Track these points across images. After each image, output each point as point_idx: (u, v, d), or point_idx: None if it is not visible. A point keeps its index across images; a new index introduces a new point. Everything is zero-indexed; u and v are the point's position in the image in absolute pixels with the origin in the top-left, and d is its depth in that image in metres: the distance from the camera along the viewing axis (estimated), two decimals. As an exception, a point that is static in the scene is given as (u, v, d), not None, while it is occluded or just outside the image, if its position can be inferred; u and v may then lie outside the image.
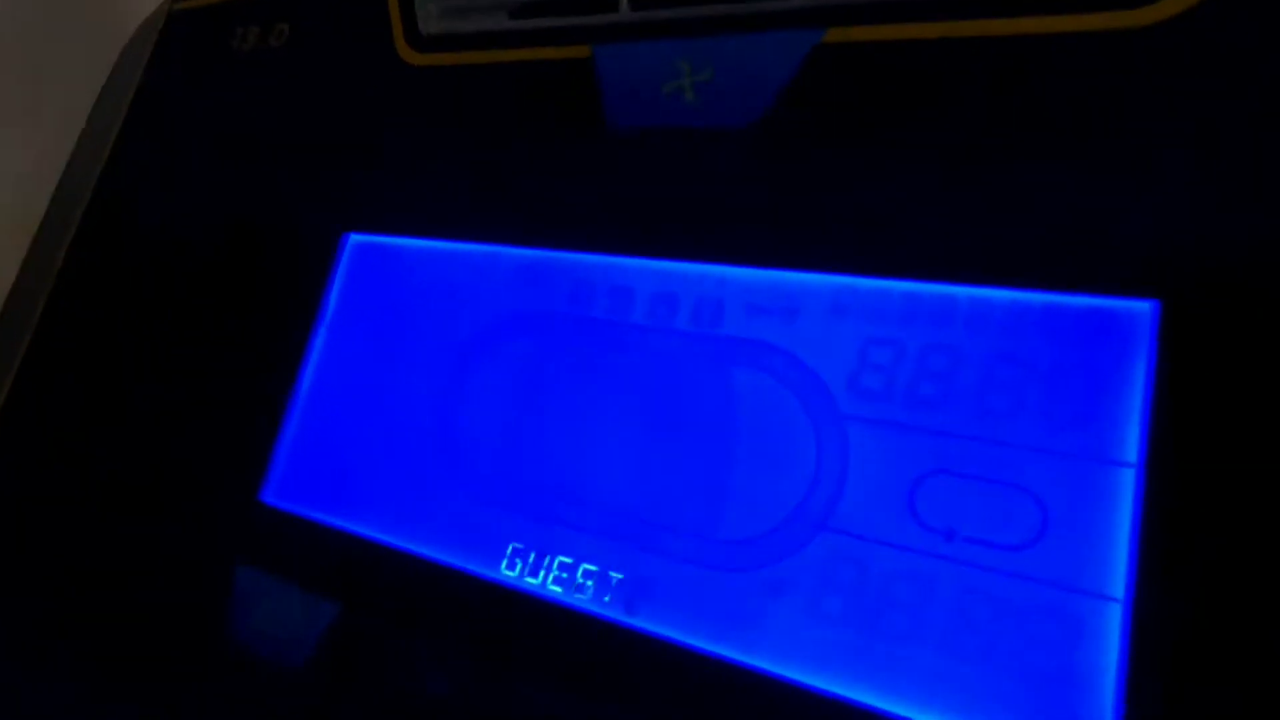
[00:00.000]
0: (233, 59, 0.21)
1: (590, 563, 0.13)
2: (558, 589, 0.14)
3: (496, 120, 0.17)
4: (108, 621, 0.18)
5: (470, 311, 0.16)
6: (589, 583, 0.13)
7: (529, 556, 0.14)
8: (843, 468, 0.12)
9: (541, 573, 0.14)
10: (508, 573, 0.14)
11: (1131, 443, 0.10)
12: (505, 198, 0.16)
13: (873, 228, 0.13)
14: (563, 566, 0.14)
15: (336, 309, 0.18)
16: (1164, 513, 0.10)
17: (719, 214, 0.14)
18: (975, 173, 0.12)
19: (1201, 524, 0.10)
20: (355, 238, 0.18)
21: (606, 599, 0.13)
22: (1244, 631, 0.09)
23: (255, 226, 0.19)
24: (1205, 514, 0.10)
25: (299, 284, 0.18)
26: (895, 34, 0.14)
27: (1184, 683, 0.09)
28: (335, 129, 0.19)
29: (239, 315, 0.19)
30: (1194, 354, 0.10)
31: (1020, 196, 0.12)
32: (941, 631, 0.11)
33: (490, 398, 0.15)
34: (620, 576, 0.13)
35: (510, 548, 0.14)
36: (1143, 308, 0.11)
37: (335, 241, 0.18)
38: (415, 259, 0.17)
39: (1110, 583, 0.10)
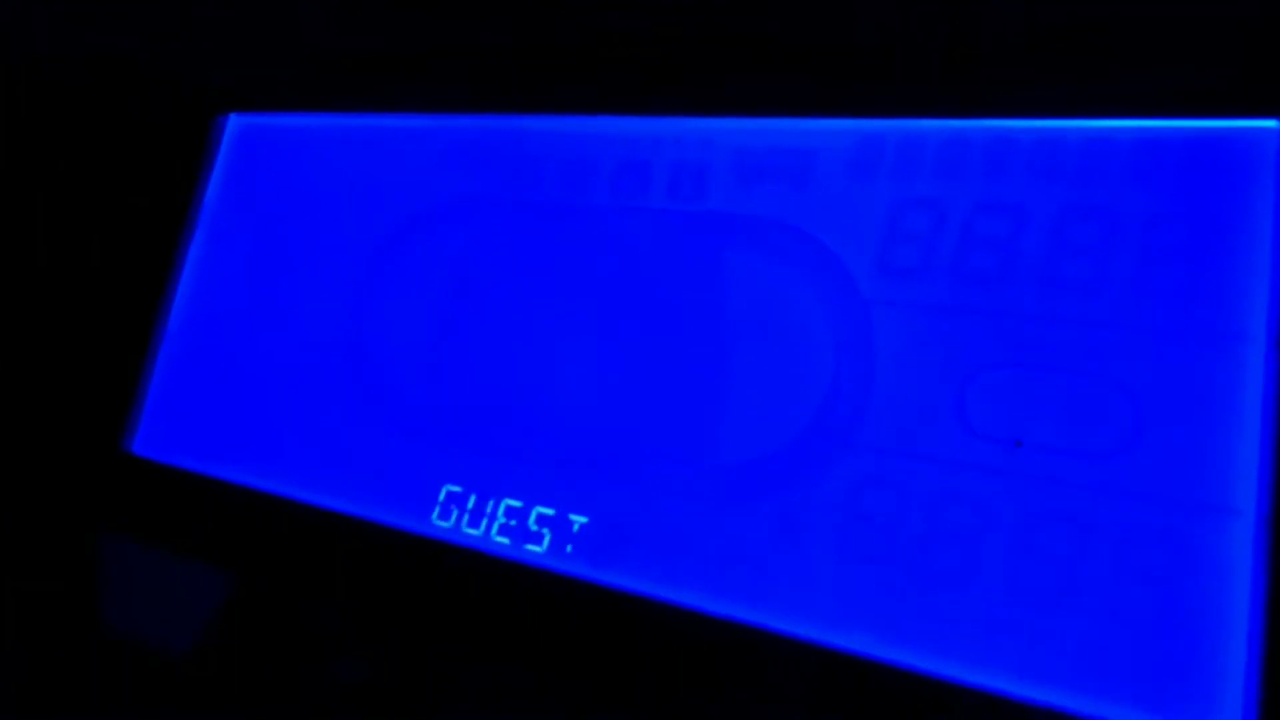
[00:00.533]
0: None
1: (545, 505, 0.11)
2: (504, 539, 0.11)
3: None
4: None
5: (385, 200, 0.13)
6: (544, 531, 0.10)
7: (467, 501, 0.11)
8: (869, 368, 0.09)
9: (484, 521, 0.11)
10: (441, 523, 0.11)
11: (1259, 310, 0.08)
12: (423, 54, 0.13)
13: (897, 57, 0.10)
14: (510, 512, 0.11)
15: (216, 208, 0.14)
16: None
17: (697, 52, 0.11)
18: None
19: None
20: (237, 118, 0.14)
21: (568, 549, 0.10)
22: None
23: (114, 108, 0.15)
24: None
25: (168, 177, 0.14)
26: None
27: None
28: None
29: (94, 218, 0.15)
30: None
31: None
32: (1007, 570, 0.08)
33: (412, 308, 0.12)
34: (584, 520, 0.10)
35: (443, 492, 0.11)
36: (1269, 126, 0.08)
37: (211, 124, 0.14)
38: (311, 138, 0.13)
39: (1233, 492, 0.08)
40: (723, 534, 0.10)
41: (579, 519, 0.11)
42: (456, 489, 0.12)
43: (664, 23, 0.11)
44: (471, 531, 0.11)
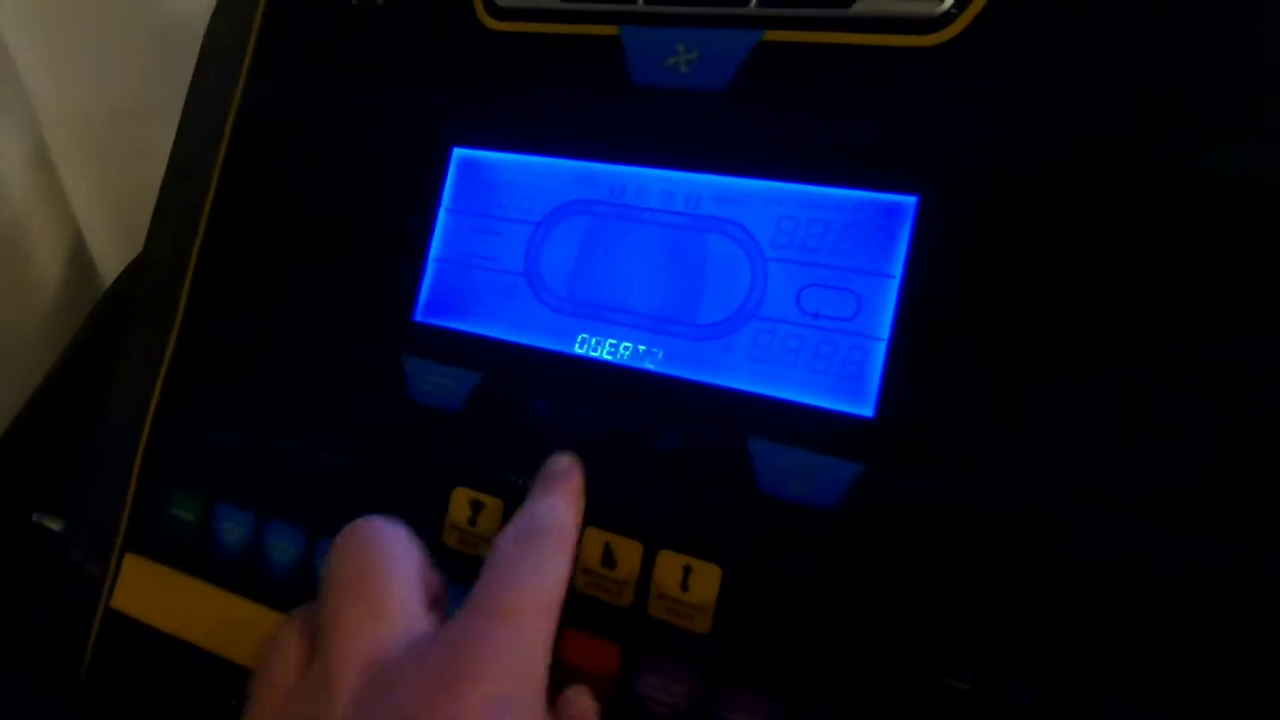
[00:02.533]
0: (346, 13, 0.29)
1: (629, 341, 0.25)
2: (610, 356, 0.25)
3: (553, 74, 0.26)
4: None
5: (543, 200, 0.26)
6: (629, 350, 0.24)
7: (592, 341, 0.25)
8: (764, 286, 0.23)
9: (601, 349, 0.25)
10: (579, 350, 0.25)
11: (898, 264, 0.22)
12: (562, 125, 0.26)
13: (787, 152, 0.23)
14: (613, 347, 0.25)
15: (451, 200, 0.27)
16: (912, 305, 0.22)
17: (702, 142, 0.24)
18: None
19: (931, 313, 0.21)
20: (459, 151, 0.27)
21: (645, 360, 0.24)
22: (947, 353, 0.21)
23: (381, 147, 0.28)
24: (934, 311, 0.21)
25: (421, 187, 0.28)
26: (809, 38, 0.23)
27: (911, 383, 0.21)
28: (433, 74, 0.28)
29: (383, 208, 0.28)
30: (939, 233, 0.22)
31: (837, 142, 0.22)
32: (809, 359, 0.23)
33: (560, 249, 0.26)
34: (645, 348, 0.24)
35: (579, 337, 0.25)
36: (909, 200, 0.22)
37: (447, 154, 0.27)
38: (504, 167, 0.27)
39: (881, 330, 0.22)
40: (705, 351, 0.24)
41: (644, 346, 0.24)
42: (586, 335, 0.25)
43: (686, 129, 0.25)
44: (595, 354, 0.25)
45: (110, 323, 0.41)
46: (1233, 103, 0.19)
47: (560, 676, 0.23)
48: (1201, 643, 0.18)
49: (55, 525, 0.37)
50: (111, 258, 0.48)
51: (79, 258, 0.47)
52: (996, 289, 0.21)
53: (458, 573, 0.25)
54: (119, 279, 0.42)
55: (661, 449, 0.23)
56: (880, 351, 0.22)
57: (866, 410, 0.22)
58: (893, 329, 0.22)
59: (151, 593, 0.29)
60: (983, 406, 0.20)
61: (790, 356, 0.23)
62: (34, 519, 0.38)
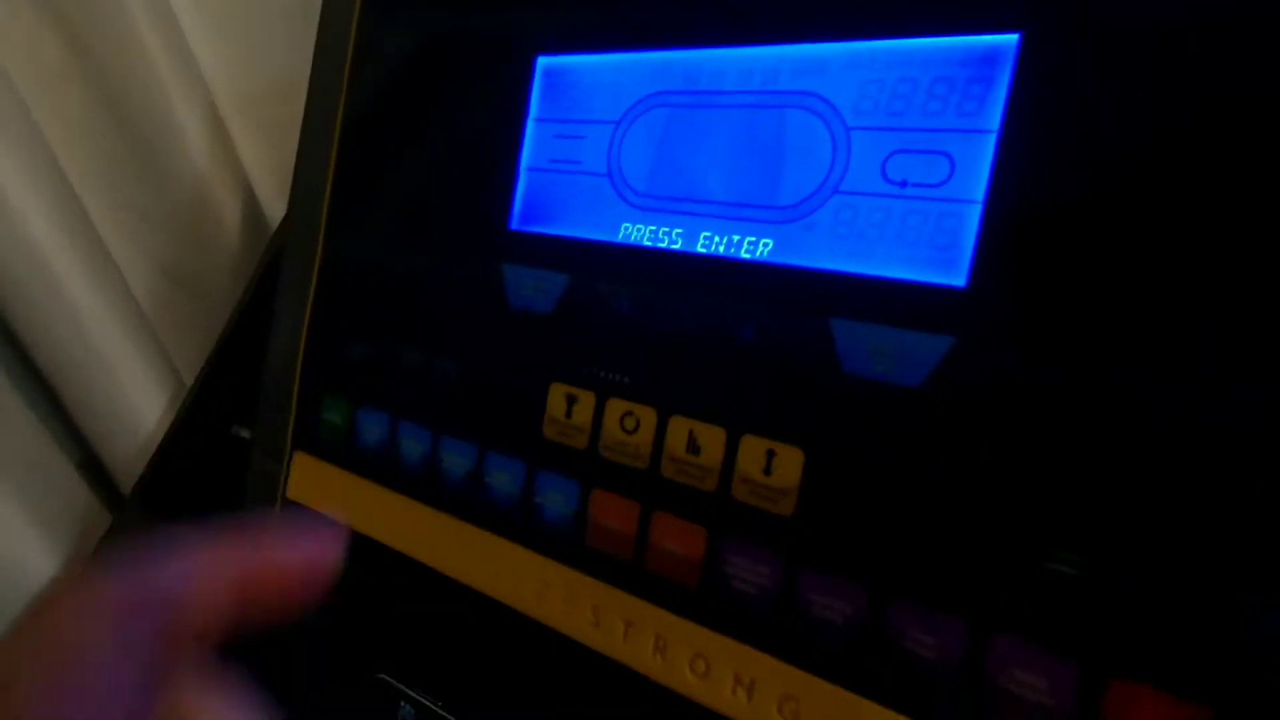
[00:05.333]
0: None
1: (709, 231, 0.24)
2: (690, 248, 0.25)
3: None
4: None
5: (622, 97, 0.26)
6: (709, 240, 0.24)
7: (673, 233, 0.25)
8: (847, 158, 0.22)
9: (680, 242, 0.25)
10: (662, 244, 0.25)
11: (995, 117, 0.19)
12: (636, 17, 0.26)
13: (867, 5, 0.21)
14: (692, 239, 0.25)
15: (538, 109, 0.28)
16: (1011, 162, 0.19)
17: (776, 7, 0.23)
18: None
19: (1033, 171, 0.19)
20: (543, 60, 0.28)
21: (726, 248, 0.24)
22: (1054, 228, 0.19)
23: (472, 68, 0.30)
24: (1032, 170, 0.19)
25: (511, 100, 0.29)
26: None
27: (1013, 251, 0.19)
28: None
29: (478, 126, 0.30)
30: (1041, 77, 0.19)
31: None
32: (896, 231, 0.21)
33: (639, 145, 0.26)
34: (724, 237, 0.24)
35: (660, 231, 0.25)
36: (1009, 41, 0.19)
37: (531, 64, 0.28)
38: (584, 69, 0.27)
39: (975, 193, 0.20)
40: (796, 234, 0.23)
41: (750, 239, 0.24)
42: (709, 233, 0.25)
43: (760, 12, 0.23)
44: (713, 250, 0.25)
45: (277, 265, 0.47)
46: None
47: (650, 559, 0.25)
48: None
49: (248, 434, 0.44)
50: (278, 212, 0.55)
51: (252, 213, 0.54)
52: (1107, 143, 0.18)
53: (560, 463, 0.27)
54: (279, 229, 0.48)
55: (743, 335, 0.23)
56: (975, 215, 0.20)
57: (959, 280, 0.20)
58: (988, 191, 0.20)
59: (316, 485, 0.34)
60: (1086, 276, 0.18)
61: (875, 231, 0.21)
62: (233, 431, 0.45)
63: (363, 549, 0.31)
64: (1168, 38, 0.17)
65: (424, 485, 0.30)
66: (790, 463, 0.22)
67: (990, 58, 0.20)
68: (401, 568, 0.30)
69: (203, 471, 0.45)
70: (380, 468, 0.32)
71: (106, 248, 0.45)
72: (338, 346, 0.34)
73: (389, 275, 0.32)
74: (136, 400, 0.47)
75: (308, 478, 0.34)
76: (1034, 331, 0.19)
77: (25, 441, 0.44)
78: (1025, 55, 0.19)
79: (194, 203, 0.49)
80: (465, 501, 0.29)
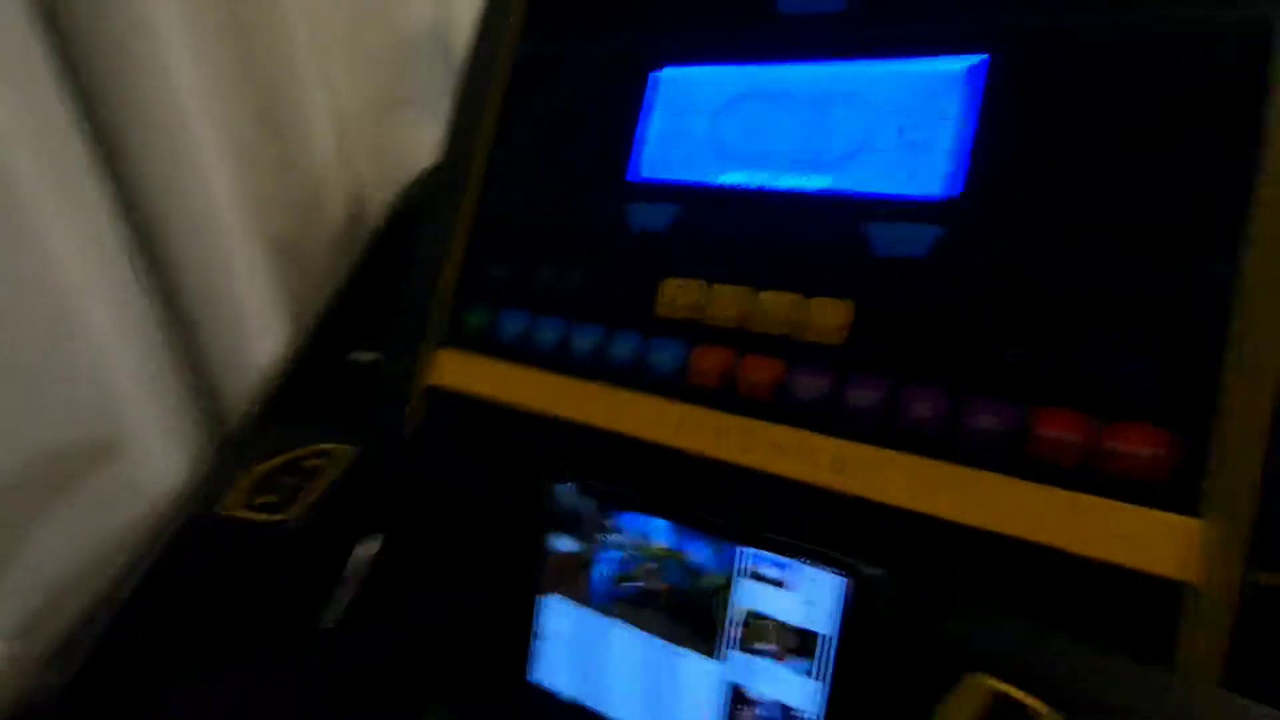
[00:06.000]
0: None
1: (803, 175, 0.37)
2: (794, 185, 0.38)
3: (720, 11, 0.40)
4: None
5: (718, 96, 0.40)
6: (806, 178, 0.37)
7: (749, 174, 0.38)
8: (874, 129, 0.36)
9: (791, 182, 0.38)
10: (781, 185, 0.38)
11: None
12: (729, 44, 0.40)
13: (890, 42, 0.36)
14: (799, 180, 0.38)
15: (654, 107, 0.41)
16: (981, 138, 0.33)
17: (827, 41, 0.37)
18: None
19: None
20: (660, 72, 0.42)
21: (814, 185, 0.37)
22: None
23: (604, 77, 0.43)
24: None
25: (635, 99, 0.42)
26: None
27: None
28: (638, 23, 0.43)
29: (611, 117, 0.43)
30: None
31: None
32: (908, 171, 0.35)
33: (731, 123, 0.39)
34: (814, 175, 0.37)
35: (743, 174, 0.38)
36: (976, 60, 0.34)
37: (647, 76, 0.42)
38: (696, 77, 0.41)
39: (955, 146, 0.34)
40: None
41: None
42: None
43: (817, 31, 0.38)
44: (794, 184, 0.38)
45: (393, 229, 0.58)
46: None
47: (739, 386, 0.36)
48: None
49: (368, 357, 0.53)
50: (377, 193, 0.66)
51: (357, 196, 0.65)
52: (1042, 128, 0.32)
53: (670, 331, 0.38)
54: (395, 202, 0.60)
55: (808, 235, 0.36)
56: (956, 155, 0.34)
57: (950, 192, 0.33)
58: (970, 143, 0.33)
59: (460, 371, 0.44)
60: (1023, 199, 0.32)
61: (894, 169, 0.35)
62: (351, 357, 0.55)
63: (507, 416, 0.42)
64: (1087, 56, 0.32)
65: (558, 359, 0.41)
66: (844, 311, 0.34)
67: (961, 77, 0.34)
68: (544, 426, 0.40)
69: (320, 392, 0.54)
70: (520, 352, 0.42)
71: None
72: (483, 268, 0.45)
73: (532, 215, 0.44)
74: (256, 344, 0.56)
75: (452, 367, 0.45)
76: (993, 228, 0.32)
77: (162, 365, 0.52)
78: (992, 74, 0.34)
79: (316, 188, 0.60)
80: (593, 368, 0.40)
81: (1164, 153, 0.30)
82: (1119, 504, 0.28)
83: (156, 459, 0.52)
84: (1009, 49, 0.33)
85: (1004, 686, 0.23)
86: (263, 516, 0.28)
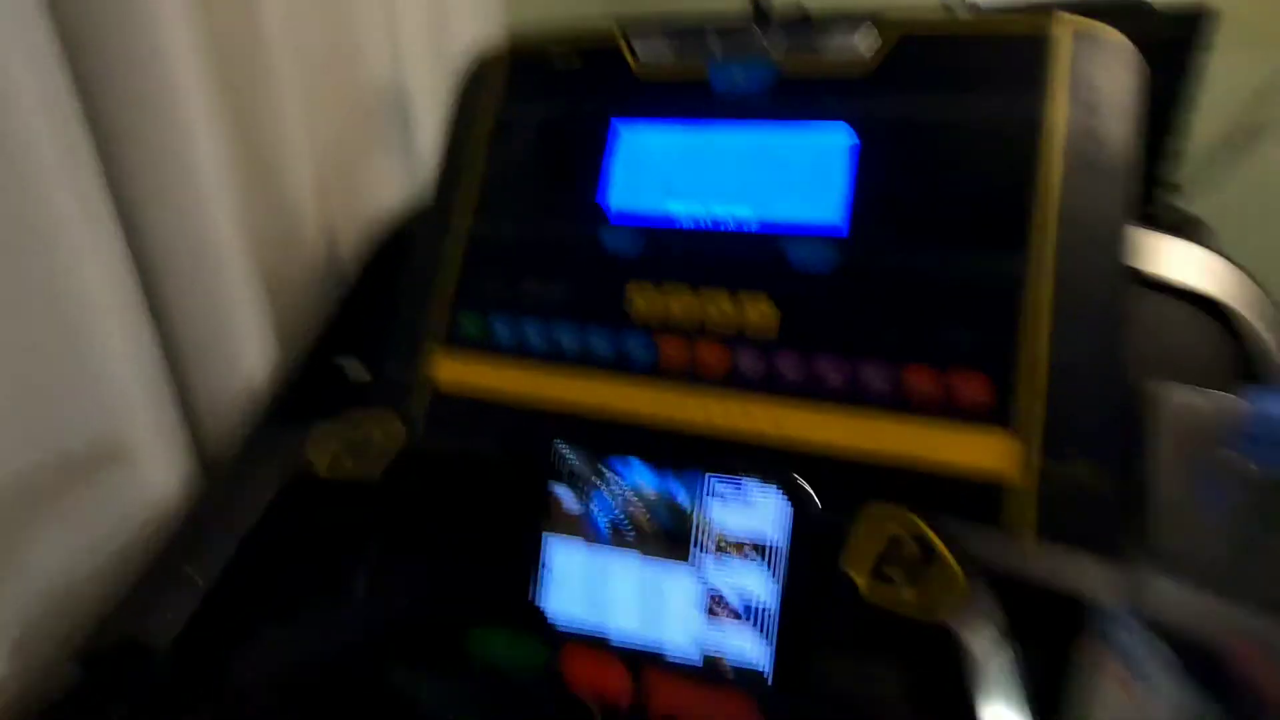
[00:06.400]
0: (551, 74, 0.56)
1: (732, 213, 0.50)
2: (725, 225, 0.50)
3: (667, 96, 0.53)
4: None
5: (672, 146, 0.52)
6: (729, 219, 0.50)
7: (697, 213, 0.50)
8: (773, 177, 0.49)
9: (724, 223, 0.50)
10: (689, 221, 0.50)
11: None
12: (677, 110, 0.52)
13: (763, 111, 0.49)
14: (728, 221, 0.50)
15: (618, 150, 0.53)
16: (861, 193, 0.47)
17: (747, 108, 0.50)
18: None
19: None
20: (619, 124, 0.53)
21: (737, 225, 0.49)
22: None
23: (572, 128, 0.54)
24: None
25: (599, 143, 0.53)
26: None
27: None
28: (605, 95, 0.55)
29: (580, 158, 0.54)
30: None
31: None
32: (808, 211, 0.48)
33: (684, 169, 0.51)
34: (737, 216, 0.49)
35: (693, 212, 0.50)
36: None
37: (610, 127, 0.53)
38: (652, 134, 0.53)
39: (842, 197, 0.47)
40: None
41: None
42: None
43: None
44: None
45: (380, 258, 0.66)
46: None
47: (697, 368, 0.47)
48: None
49: (356, 366, 0.60)
50: (347, 227, 0.73)
51: (331, 230, 0.72)
52: (896, 181, 0.46)
53: (636, 326, 0.49)
54: (377, 233, 0.67)
55: (734, 254, 0.48)
56: (845, 203, 0.47)
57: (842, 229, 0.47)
58: (851, 195, 0.47)
59: (456, 369, 0.53)
60: (892, 233, 0.46)
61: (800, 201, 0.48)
62: (336, 361, 0.61)
63: (501, 405, 0.50)
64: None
65: (545, 356, 0.51)
66: (771, 310, 0.47)
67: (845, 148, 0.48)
68: (535, 411, 0.50)
69: (311, 397, 0.60)
70: (511, 351, 0.52)
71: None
72: (475, 282, 0.54)
73: (518, 239, 0.54)
74: (243, 361, 0.61)
75: (449, 365, 0.53)
76: (872, 249, 0.46)
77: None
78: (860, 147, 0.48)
79: (293, 220, 0.67)
80: (576, 360, 0.50)
81: (967, 191, 0.45)
82: (961, 426, 0.41)
83: (156, 466, 0.56)
84: (870, 124, 0.48)
85: (900, 521, 0.34)
86: (348, 474, 0.36)
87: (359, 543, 0.41)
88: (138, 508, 0.55)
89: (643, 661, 0.40)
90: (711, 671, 0.39)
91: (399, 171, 0.82)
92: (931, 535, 0.32)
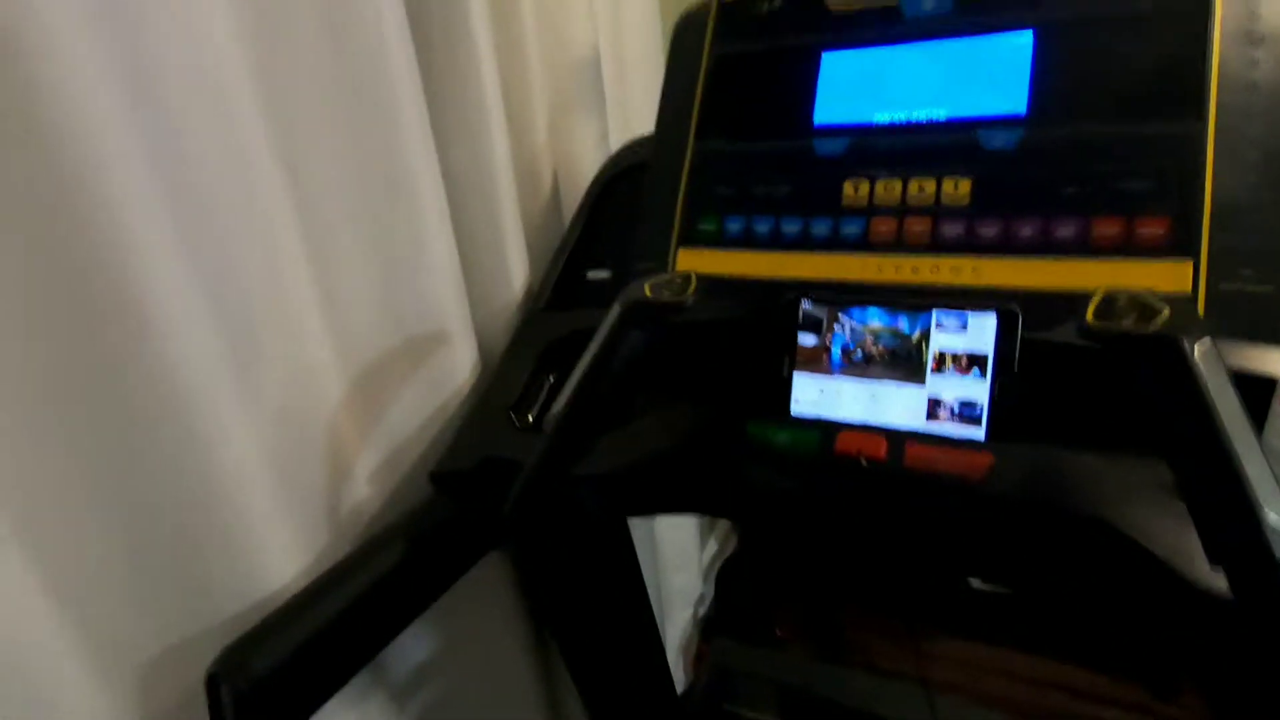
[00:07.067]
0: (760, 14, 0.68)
1: (932, 111, 0.61)
2: (928, 118, 0.61)
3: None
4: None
5: (878, 69, 0.63)
6: (931, 113, 0.61)
7: (927, 111, 0.61)
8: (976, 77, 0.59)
9: (929, 115, 0.61)
10: (919, 118, 0.61)
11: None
12: (875, 34, 0.63)
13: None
14: (931, 116, 0.61)
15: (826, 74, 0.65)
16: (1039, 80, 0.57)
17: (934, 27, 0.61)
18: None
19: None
20: (827, 54, 0.65)
21: (938, 116, 0.60)
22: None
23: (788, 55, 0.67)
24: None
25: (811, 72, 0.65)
26: None
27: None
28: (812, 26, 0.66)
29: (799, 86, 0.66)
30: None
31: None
32: (997, 97, 0.58)
33: (893, 85, 0.63)
34: (939, 110, 0.60)
35: (891, 115, 0.61)
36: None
37: (819, 56, 0.65)
38: (853, 56, 0.64)
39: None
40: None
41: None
42: None
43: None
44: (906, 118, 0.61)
45: (602, 194, 0.81)
46: None
47: (905, 237, 0.59)
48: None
49: (602, 275, 0.75)
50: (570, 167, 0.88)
51: (557, 171, 0.87)
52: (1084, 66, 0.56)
53: (852, 212, 0.61)
54: (604, 166, 0.83)
55: (943, 140, 0.59)
56: (1025, 95, 0.57)
57: (1022, 110, 0.57)
58: (1031, 84, 0.57)
59: (697, 260, 0.66)
60: (1067, 105, 0.55)
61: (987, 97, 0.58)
62: (588, 275, 0.77)
63: (739, 284, 0.64)
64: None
65: (772, 242, 0.63)
66: (965, 184, 0.57)
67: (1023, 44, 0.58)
68: (751, 287, 0.63)
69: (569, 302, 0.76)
70: (744, 242, 0.65)
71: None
72: (707, 190, 0.67)
73: (741, 153, 0.67)
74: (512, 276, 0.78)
75: (691, 260, 0.67)
76: (1051, 130, 0.56)
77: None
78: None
79: (534, 163, 0.83)
80: (799, 242, 0.62)
81: (1142, 69, 0.54)
82: (1147, 261, 0.51)
83: (464, 351, 0.73)
84: (1048, 27, 0.57)
85: (1125, 289, 0.44)
86: (672, 299, 0.50)
87: (666, 366, 0.56)
88: (455, 376, 0.73)
89: (894, 434, 0.53)
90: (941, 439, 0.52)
91: (595, 128, 0.97)
92: (1138, 291, 0.41)
